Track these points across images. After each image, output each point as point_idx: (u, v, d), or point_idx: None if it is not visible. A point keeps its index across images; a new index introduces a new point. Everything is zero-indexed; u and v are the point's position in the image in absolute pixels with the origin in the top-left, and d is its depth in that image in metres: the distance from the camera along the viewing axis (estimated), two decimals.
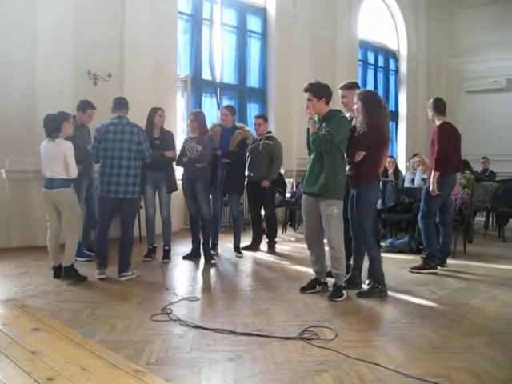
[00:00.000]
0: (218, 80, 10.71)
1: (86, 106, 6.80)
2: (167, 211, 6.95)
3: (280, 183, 9.29)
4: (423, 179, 9.33)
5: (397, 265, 6.64)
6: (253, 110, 11.45)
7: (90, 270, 6.08)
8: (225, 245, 7.70)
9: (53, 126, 5.82)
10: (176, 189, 7.10)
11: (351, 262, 5.68)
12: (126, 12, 8.70)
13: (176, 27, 9.67)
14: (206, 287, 5.87)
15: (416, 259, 6.81)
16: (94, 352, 3.60)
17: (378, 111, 5.21)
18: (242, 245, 7.58)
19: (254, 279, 6.24)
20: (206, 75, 10.50)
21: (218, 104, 10.55)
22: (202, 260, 6.94)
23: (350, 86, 5.77)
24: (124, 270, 5.96)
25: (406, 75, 16.05)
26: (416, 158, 9.72)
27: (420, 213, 6.56)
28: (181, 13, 9.97)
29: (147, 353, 3.67)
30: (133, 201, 6.00)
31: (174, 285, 5.87)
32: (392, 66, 16.00)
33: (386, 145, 5.44)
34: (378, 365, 3.46)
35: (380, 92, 14.48)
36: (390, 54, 15.90)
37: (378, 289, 5.26)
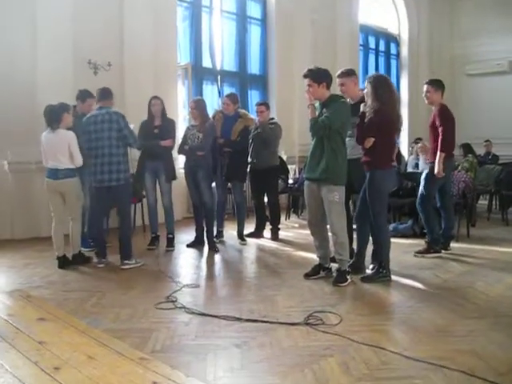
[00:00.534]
0: (218, 67, 10.67)
1: (85, 95, 6.78)
2: (168, 200, 6.94)
3: (283, 170, 9.28)
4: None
5: (400, 249, 6.63)
6: (254, 96, 11.42)
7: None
8: (228, 232, 7.71)
9: (53, 117, 5.90)
10: (175, 177, 7.06)
11: (354, 247, 5.69)
12: (125, 0, 8.65)
13: (175, 15, 9.63)
14: (211, 274, 5.89)
15: (420, 243, 6.80)
16: (99, 341, 3.62)
17: (387, 96, 5.13)
18: (246, 232, 7.59)
19: (258, 266, 6.25)
20: (206, 63, 10.46)
21: (219, 91, 10.52)
22: (206, 247, 6.95)
23: (349, 74, 5.76)
24: (126, 258, 5.98)
25: (407, 59, 15.95)
26: (419, 144, 9.68)
27: (419, 198, 6.51)
28: (180, 0, 9.91)
29: (153, 340, 3.69)
30: (119, 188, 5.94)
31: (179, 272, 5.90)
32: (393, 50, 15.90)
33: (395, 129, 5.37)
34: (383, 349, 3.48)
35: None
36: (391, 39, 15.80)
37: (383, 273, 5.26)
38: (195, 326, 4.02)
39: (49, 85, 7.51)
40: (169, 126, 6.92)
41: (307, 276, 5.38)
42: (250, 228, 7.80)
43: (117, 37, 8.59)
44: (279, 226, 7.91)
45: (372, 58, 15.02)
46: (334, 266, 5.34)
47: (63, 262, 5.99)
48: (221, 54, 10.81)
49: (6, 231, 7.54)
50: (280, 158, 8.76)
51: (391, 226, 7.71)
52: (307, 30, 11.95)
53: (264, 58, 11.68)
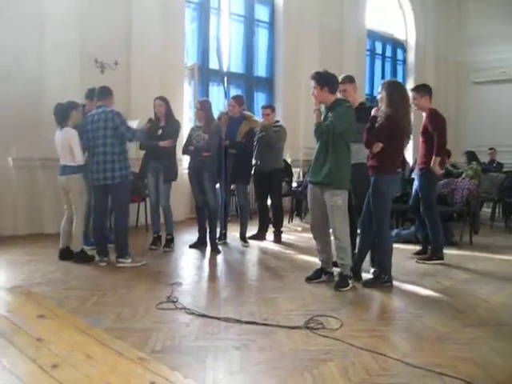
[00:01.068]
0: (225, 69, 10.63)
1: (93, 94, 6.81)
2: (165, 200, 6.90)
3: (287, 172, 9.28)
4: None
5: (403, 255, 6.62)
6: (260, 99, 11.43)
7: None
8: (231, 234, 7.70)
9: (61, 115, 6.07)
10: (175, 179, 6.98)
11: (355, 251, 5.67)
12: (133, 0, 8.66)
13: (183, 16, 9.66)
14: (212, 276, 5.89)
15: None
16: (99, 339, 3.61)
17: (400, 102, 5.12)
18: (249, 234, 7.58)
19: (259, 268, 6.25)
20: (213, 64, 10.46)
21: (225, 93, 10.47)
22: (208, 249, 6.94)
23: (351, 80, 5.89)
24: (120, 256, 5.99)
25: (413, 65, 15.95)
26: None
27: (423, 207, 6.46)
28: (188, 1, 9.95)
29: (152, 341, 3.68)
30: (115, 186, 5.95)
31: (180, 273, 5.90)
32: (400, 56, 15.90)
33: (405, 136, 5.32)
34: (384, 355, 3.46)
35: None
36: (398, 44, 15.80)
37: (384, 279, 5.24)
38: (196, 327, 4.01)
39: (55, 83, 7.54)
40: (172, 128, 6.89)
41: (309, 280, 5.36)
42: (252, 230, 7.80)
43: (124, 36, 8.62)
44: (282, 229, 7.90)
45: (378, 63, 15.03)
46: (336, 270, 5.33)
47: (64, 254, 6.13)
48: (228, 55, 10.80)
49: (9, 227, 7.54)
50: (284, 160, 8.76)
51: (394, 232, 7.70)
52: (314, 34, 11.98)
53: (271, 60, 11.69)
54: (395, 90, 5.18)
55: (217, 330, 3.93)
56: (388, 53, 15.44)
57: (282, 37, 11.56)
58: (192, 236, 7.43)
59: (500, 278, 5.73)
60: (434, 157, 6.22)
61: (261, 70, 11.61)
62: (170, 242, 6.96)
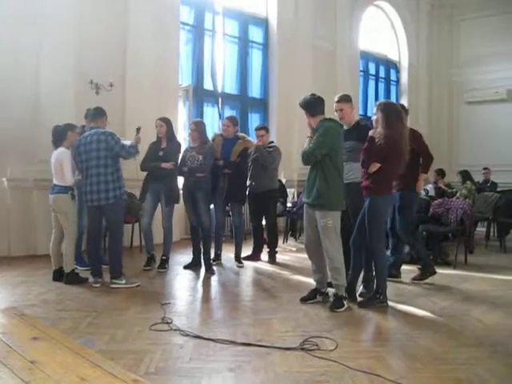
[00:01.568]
0: (219, 90, 10.74)
1: None
2: (167, 222, 6.91)
3: (281, 193, 9.29)
4: (424, 189, 9.36)
5: None
6: (254, 120, 11.49)
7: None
8: (226, 254, 7.68)
9: (58, 136, 6.12)
10: (177, 202, 6.98)
11: (350, 272, 5.65)
12: (128, 22, 8.75)
13: (178, 37, 9.73)
14: (206, 297, 5.86)
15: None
16: (92, 361, 3.58)
17: (397, 123, 5.15)
18: (243, 254, 7.56)
19: (254, 289, 6.22)
20: (207, 85, 10.54)
21: (220, 114, 10.57)
22: (203, 269, 6.92)
23: (347, 99, 5.85)
24: (114, 277, 5.96)
25: (406, 86, 16.11)
26: None
27: (402, 229, 6.30)
28: (183, 23, 10.04)
29: (146, 362, 3.65)
30: (109, 206, 5.93)
31: (174, 294, 5.87)
32: (393, 76, 16.06)
33: (401, 157, 5.27)
34: (379, 376, 3.44)
35: None
36: (391, 65, 15.96)
37: (379, 299, 5.23)
38: (190, 348, 3.98)
39: (50, 104, 7.57)
40: (172, 149, 6.89)
41: (303, 300, 5.35)
42: (247, 251, 7.78)
43: (119, 58, 8.68)
44: (277, 250, 7.89)
45: (372, 83, 15.16)
46: (331, 290, 5.32)
47: (58, 275, 6.12)
48: (222, 76, 10.89)
49: (3, 248, 7.51)
50: (279, 181, 8.78)
51: (388, 251, 7.69)
52: (308, 55, 12.10)
53: (265, 81, 11.78)
54: (391, 111, 5.20)
55: (211, 352, 3.91)
56: (381, 73, 15.59)
57: (276, 58, 11.66)
58: (186, 257, 7.42)
59: (495, 297, 5.72)
60: (421, 173, 6.26)
61: (255, 91, 11.69)
62: (164, 262, 6.93)
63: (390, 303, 5.28)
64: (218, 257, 7.43)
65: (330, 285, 5.37)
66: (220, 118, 10.38)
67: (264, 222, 7.92)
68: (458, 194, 9.29)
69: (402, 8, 15.66)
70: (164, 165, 6.68)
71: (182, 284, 6.42)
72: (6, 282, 6.08)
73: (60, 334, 4.23)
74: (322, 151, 5.03)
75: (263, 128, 7.80)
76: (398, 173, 5.38)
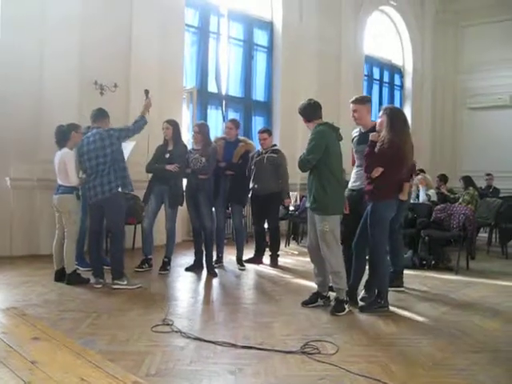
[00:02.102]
0: (223, 92, 10.75)
1: None
2: (170, 224, 6.92)
3: (284, 196, 9.27)
4: (427, 195, 9.35)
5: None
6: (258, 123, 11.50)
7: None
8: (227, 257, 7.69)
9: (62, 136, 6.13)
10: (180, 204, 6.98)
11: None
12: (133, 23, 8.76)
13: (183, 39, 9.75)
14: (208, 299, 5.85)
15: (420, 274, 6.80)
16: (93, 362, 3.58)
17: (401, 129, 5.14)
18: (245, 257, 7.56)
19: (255, 292, 6.22)
20: (211, 87, 10.55)
21: (223, 116, 10.59)
22: (205, 272, 6.92)
23: (363, 101, 5.69)
24: (115, 278, 5.96)
25: (411, 91, 16.11)
26: (419, 176, 9.67)
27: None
28: (188, 25, 10.05)
29: (147, 364, 3.65)
30: (106, 202, 5.93)
31: (176, 296, 5.87)
32: (397, 81, 16.06)
33: (405, 162, 5.25)
34: (379, 381, 3.43)
35: None
36: (396, 70, 15.97)
37: (381, 304, 5.23)
38: (191, 351, 3.98)
39: (54, 104, 7.58)
40: (177, 152, 6.90)
41: (305, 304, 5.34)
42: (249, 253, 7.78)
43: (124, 59, 8.68)
44: (278, 253, 7.88)
45: (376, 88, 15.16)
46: (333, 294, 5.31)
47: (59, 276, 6.11)
48: (226, 79, 10.90)
49: (5, 248, 7.51)
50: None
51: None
52: (313, 59, 12.10)
53: (269, 84, 11.78)
54: (397, 115, 5.20)
55: (212, 354, 3.91)
56: (385, 78, 15.60)
57: (280, 61, 11.67)
58: (188, 258, 7.42)
59: (496, 303, 5.71)
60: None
61: (259, 94, 11.70)
62: (166, 264, 6.93)
63: (391, 308, 5.28)
64: (219, 259, 7.43)
65: (331, 289, 5.37)
66: (224, 120, 10.39)
67: (266, 225, 7.92)
68: (460, 200, 9.26)
69: (407, 13, 15.67)
70: (169, 167, 6.69)
71: (184, 286, 6.42)
72: (7, 282, 6.08)
73: (61, 334, 4.23)
74: (316, 156, 5.05)
75: (266, 131, 7.80)
76: (401, 178, 5.37)
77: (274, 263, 7.71)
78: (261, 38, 11.68)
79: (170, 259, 7.00)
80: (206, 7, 10.44)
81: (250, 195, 7.69)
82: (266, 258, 7.83)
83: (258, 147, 7.81)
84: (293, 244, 9.80)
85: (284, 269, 7.47)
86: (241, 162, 7.24)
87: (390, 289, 5.52)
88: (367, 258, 5.56)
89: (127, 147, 7.08)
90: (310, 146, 5.11)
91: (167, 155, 6.86)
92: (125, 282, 5.94)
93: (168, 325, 4.56)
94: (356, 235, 5.46)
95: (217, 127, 10.35)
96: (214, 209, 7.17)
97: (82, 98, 7.91)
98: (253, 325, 4.71)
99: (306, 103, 5.33)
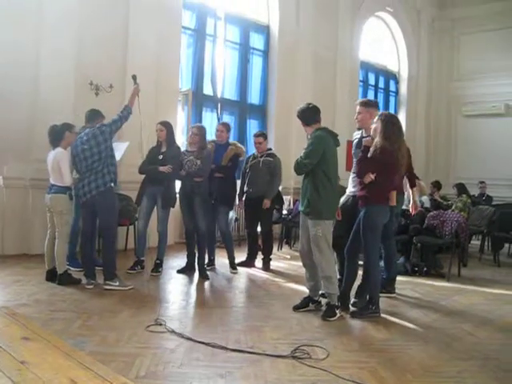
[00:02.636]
0: (218, 95, 10.75)
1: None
2: (162, 226, 6.90)
3: (277, 200, 9.28)
4: (420, 201, 9.36)
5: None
6: (253, 126, 11.50)
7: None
8: (220, 260, 7.67)
9: (55, 136, 6.10)
10: (173, 205, 6.97)
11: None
12: (130, 24, 8.75)
13: (179, 41, 9.73)
14: (200, 302, 5.84)
15: (411, 281, 6.80)
16: (83, 363, 3.57)
17: (395, 136, 5.14)
18: (237, 260, 7.55)
19: (247, 296, 6.21)
20: (207, 90, 10.55)
21: (219, 119, 10.59)
22: (197, 274, 6.91)
23: (367, 104, 5.79)
24: (107, 278, 5.95)
25: (405, 97, 16.17)
26: None
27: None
28: (185, 27, 10.04)
29: (137, 366, 3.65)
30: (97, 199, 5.92)
31: (167, 298, 5.86)
32: (392, 87, 16.11)
33: (397, 169, 5.26)
34: None
35: None
36: (391, 76, 16.01)
37: (372, 310, 5.24)
38: (181, 353, 3.98)
39: (49, 104, 7.55)
40: (171, 153, 6.88)
41: (296, 308, 5.35)
42: (241, 257, 7.78)
43: (120, 59, 8.66)
44: (271, 257, 7.88)
45: (371, 94, 15.18)
46: (324, 299, 5.32)
47: (51, 276, 6.10)
48: (222, 82, 10.90)
49: None
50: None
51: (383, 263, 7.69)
52: (308, 63, 12.13)
53: (264, 88, 11.79)
54: (391, 122, 5.20)
55: (202, 357, 3.91)
56: (381, 84, 15.63)
57: (276, 65, 11.67)
58: (180, 261, 7.41)
59: (487, 311, 5.73)
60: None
61: (254, 98, 11.69)
62: (158, 266, 6.91)
63: (383, 314, 5.28)
64: (211, 262, 7.42)
65: (323, 296, 5.37)
66: (219, 122, 10.38)
67: (259, 229, 7.92)
68: (453, 207, 9.30)
69: (403, 20, 15.72)
70: (162, 168, 6.68)
71: (176, 288, 6.42)
72: None
73: (51, 334, 4.22)
74: (312, 161, 5.07)
75: (262, 135, 7.79)
76: (395, 184, 5.39)
77: (266, 267, 7.70)
78: (257, 41, 11.68)
79: (162, 261, 6.98)
80: (203, 10, 10.44)
81: (243, 198, 7.67)
82: (259, 262, 7.82)
83: (253, 151, 7.81)
84: (285, 248, 9.80)
85: (276, 273, 7.47)
86: (230, 165, 7.25)
87: (381, 295, 5.56)
88: (360, 263, 5.58)
89: (120, 148, 7.07)
90: (308, 151, 5.12)
91: (160, 157, 6.85)
92: (117, 283, 5.93)
93: (160, 325, 4.56)
94: (349, 240, 5.47)
95: (212, 130, 10.33)
96: None
97: (77, 98, 7.89)
98: (244, 328, 4.71)
99: (305, 107, 5.34)
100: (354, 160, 5.74)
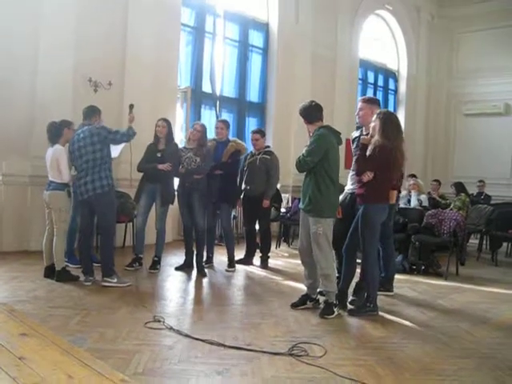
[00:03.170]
0: (217, 93, 10.75)
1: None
2: (160, 223, 6.90)
3: (276, 198, 9.30)
4: (419, 200, 9.37)
5: None
6: (251, 124, 11.49)
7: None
8: (218, 258, 7.68)
9: (54, 133, 6.10)
10: (171, 202, 6.98)
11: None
12: (128, 21, 8.74)
13: (178, 39, 9.73)
14: (198, 299, 5.85)
15: (409, 279, 6.80)
16: (81, 360, 3.58)
17: (394, 134, 5.13)
18: (236, 258, 7.55)
19: (245, 293, 6.22)
20: (206, 87, 10.54)
21: (217, 117, 10.58)
22: (195, 271, 6.92)
23: (369, 101, 5.78)
24: (105, 275, 5.96)
25: (405, 95, 16.15)
26: (411, 181, 9.70)
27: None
28: (184, 25, 10.03)
29: (135, 363, 3.65)
30: (96, 198, 5.93)
31: (165, 295, 5.86)
32: (391, 85, 16.10)
33: (395, 167, 5.24)
34: None
35: None
36: (390, 74, 16.00)
37: (370, 308, 5.24)
38: (179, 350, 3.98)
39: (48, 101, 7.55)
40: (170, 150, 6.88)
41: (294, 306, 5.35)
42: (240, 254, 7.78)
43: (119, 56, 8.66)
44: (269, 254, 7.88)
45: (370, 92, 15.16)
46: (322, 297, 5.32)
47: (49, 272, 6.09)
48: (221, 79, 10.89)
49: None
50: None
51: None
52: (308, 61, 12.13)
53: (263, 86, 11.78)
54: (390, 121, 5.19)
55: (200, 354, 3.91)
56: (380, 82, 15.62)
57: (275, 63, 11.67)
58: (178, 258, 7.42)
59: (484, 310, 5.73)
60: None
61: (253, 95, 11.69)
62: (156, 263, 6.91)
63: (380, 312, 5.29)
64: (209, 259, 7.42)
65: (321, 294, 5.37)
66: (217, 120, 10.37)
67: (257, 227, 7.92)
68: (451, 206, 9.31)
69: (403, 18, 15.71)
70: (161, 166, 6.68)
71: (174, 285, 6.42)
72: None
73: (49, 331, 4.22)
74: (314, 159, 5.06)
75: (258, 132, 7.77)
76: (393, 182, 5.39)
77: (264, 265, 7.71)
78: (256, 39, 11.67)
79: (160, 258, 6.98)
80: (202, 7, 10.43)
81: (241, 196, 7.67)
82: (257, 260, 7.83)
83: (251, 148, 7.81)
84: (283, 246, 9.81)
85: (274, 270, 7.48)
86: (230, 162, 7.24)
87: (379, 293, 5.57)
88: (358, 261, 5.58)
89: (117, 145, 7.06)
90: (311, 148, 5.12)
91: (159, 154, 6.84)
92: (115, 280, 5.94)
93: (159, 321, 4.57)
94: (347, 238, 5.48)
95: (211, 127, 10.33)
96: None
97: (76, 95, 7.89)
98: (241, 325, 4.72)
99: (308, 104, 5.32)
100: (354, 158, 5.75)
